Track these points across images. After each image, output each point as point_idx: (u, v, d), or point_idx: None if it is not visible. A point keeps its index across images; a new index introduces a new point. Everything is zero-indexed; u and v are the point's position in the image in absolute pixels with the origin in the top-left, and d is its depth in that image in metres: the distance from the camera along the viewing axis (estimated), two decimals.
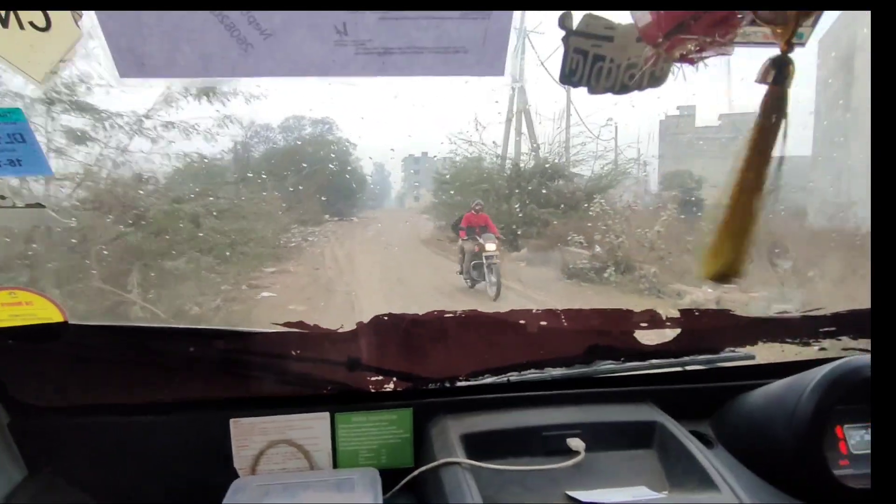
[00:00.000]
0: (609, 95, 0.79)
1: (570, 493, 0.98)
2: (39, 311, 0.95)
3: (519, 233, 7.12)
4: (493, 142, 7.73)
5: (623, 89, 0.78)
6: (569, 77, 0.76)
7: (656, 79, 0.77)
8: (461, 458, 0.98)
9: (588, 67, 0.75)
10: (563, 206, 7.22)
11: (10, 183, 0.90)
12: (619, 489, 0.99)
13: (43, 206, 0.83)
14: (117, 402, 1.10)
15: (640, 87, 0.78)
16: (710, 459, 0.98)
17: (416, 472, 1.04)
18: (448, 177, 7.91)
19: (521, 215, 7.11)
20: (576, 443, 1.05)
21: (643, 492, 0.99)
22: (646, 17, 0.64)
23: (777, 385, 1.08)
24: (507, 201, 7.33)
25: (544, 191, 7.29)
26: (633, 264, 6.14)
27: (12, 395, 1.03)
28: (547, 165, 7.61)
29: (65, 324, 0.98)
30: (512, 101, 7.46)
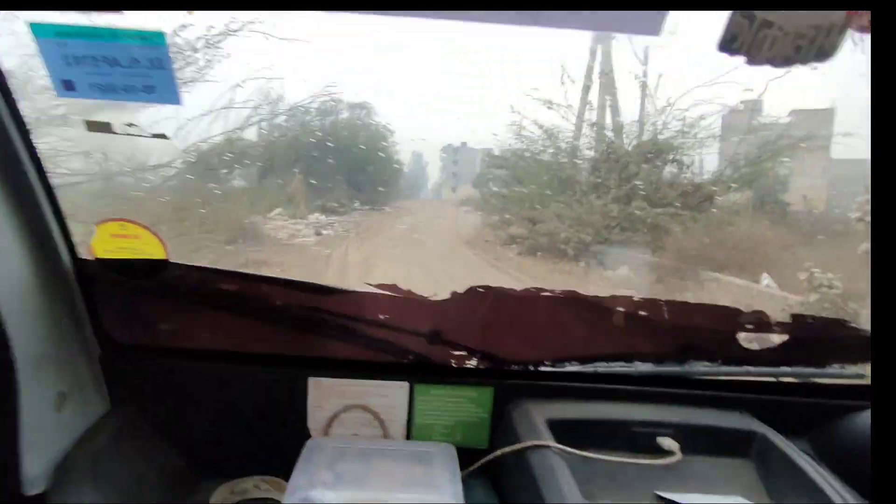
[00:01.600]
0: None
1: (661, 494, 0.92)
2: (145, 245, 0.95)
3: (611, 241, 4.65)
4: (588, 103, 4.94)
5: (785, 62, 0.73)
6: (729, 43, 0.71)
7: (824, 52, 0.71)
8: (551, 442, 0.93)
9: (752, 34, 0.70)
10: (691, 205, 4.39)
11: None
12: (713, 496, 0.93)
13: (167, 138, 0.83)
14: (202, 349, 1.11)
15: (804, 61, 0.72)
16: (823, 475, 0.91)
17: (497, 453, 1.00)
18: (509, 158, 5.40)
19: (614, 214, 4.58)
20: (668, 442, 0.99)
21: (741, 501, 0.92)
22: None
23: None
24: (596, 194, 4.83)
25: (644, 181, 4.57)
26: None
27: (105, 330, 1.05)
28: (652, 144, 4.72)
29: (165, 262, 0.98)
30: (592, 63, 4.87)
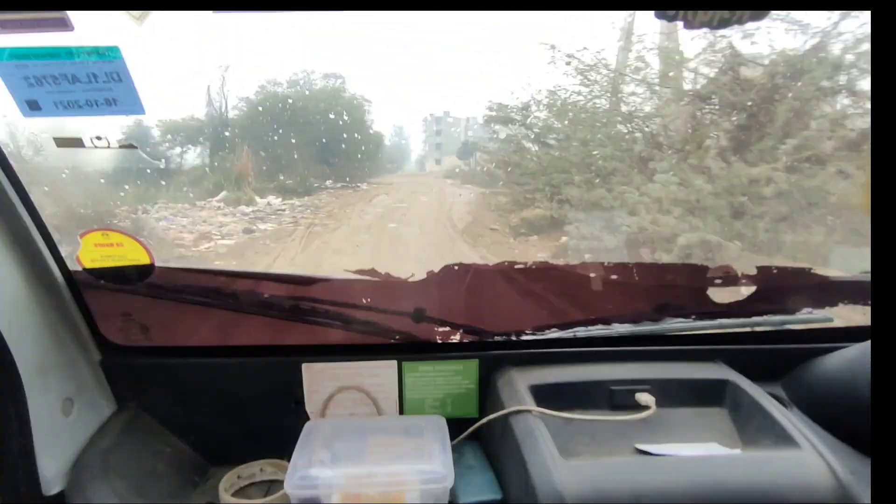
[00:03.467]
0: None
1: (640, 447, 0.97)
2: (129, 252, 0.99)
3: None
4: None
5: (721, 24, 0.74)
6: (665, 12, 0.73)
7: (758, 14, 0.73)
8: (531, 406, 0.98)
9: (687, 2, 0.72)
10: None
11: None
12: (689, 444, 0.98)
13: (135, 147, 0.86)
14: (196, 345, 1.15)
15: (740, 22, 0.74)
16: (788, 418, 0.95)
17: (483, 421, 1.05)
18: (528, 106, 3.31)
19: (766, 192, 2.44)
20: (645, 398, 1.04)
21: (715, 447, 0.97)
22: None
23: (859, 347, 1.03)
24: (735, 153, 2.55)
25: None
26: None
27: (103, 335, 1.09)
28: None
29: (151, 266, 1.02)
30: None
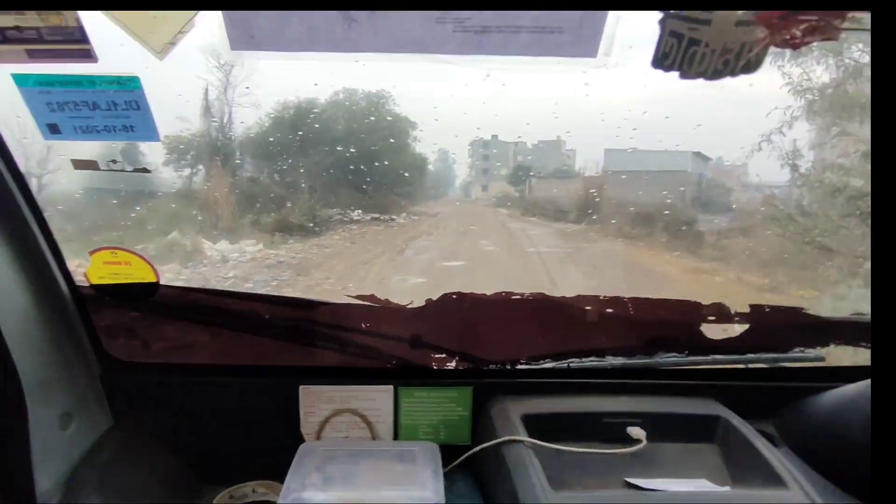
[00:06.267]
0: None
1: (630, 480, 0.98)
2: (136, 270, 1.02)
3: None
4: None
5: (715, 75, 0.78)
6: (661, 61, 0.76)
7: (751, 64, 0.76)
8: (524, 437, 1.00)
9: (682, 51, 0.75)
10: None
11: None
12: (679, 480, 0.99)
13: (149, 171, 0.89)
14: (197, 363, 1.17)
15: (733, 73, 0.77)
16: (778, 457, 0.96)
17: (476, 449, 1.06)
18: None
19: None
20: (636, 431, 1.05)
21: (704, 484, 0.98)
22: None
23: (852, 388, 1.04)
24: None
25: None
26: None
27: (105, 350, 1.11)
28: None
29: (156, 284, 1.05)
30: None
